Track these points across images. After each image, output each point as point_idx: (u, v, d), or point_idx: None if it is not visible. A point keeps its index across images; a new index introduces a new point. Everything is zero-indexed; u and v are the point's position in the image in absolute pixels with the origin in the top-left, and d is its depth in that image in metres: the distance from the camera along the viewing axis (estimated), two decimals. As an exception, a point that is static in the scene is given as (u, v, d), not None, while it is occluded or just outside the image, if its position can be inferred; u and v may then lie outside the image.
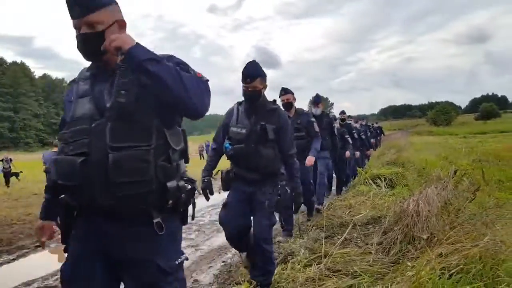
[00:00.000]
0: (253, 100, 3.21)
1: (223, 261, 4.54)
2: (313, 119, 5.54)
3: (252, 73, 3.12)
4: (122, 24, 1.66)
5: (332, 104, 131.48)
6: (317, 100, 7.17)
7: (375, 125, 19.10)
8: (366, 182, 7.66)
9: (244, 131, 3.16)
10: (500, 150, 14.81)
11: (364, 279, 3.06)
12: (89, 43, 1.56)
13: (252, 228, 3.22)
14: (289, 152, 3.21)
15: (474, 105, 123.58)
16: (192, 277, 4.11)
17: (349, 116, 11.95)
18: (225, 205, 3.27)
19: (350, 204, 6.13)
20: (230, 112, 3.40)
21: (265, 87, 3.23)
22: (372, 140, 14.00)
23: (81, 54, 1.60)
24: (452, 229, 3.29)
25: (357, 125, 11.55)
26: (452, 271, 2.56)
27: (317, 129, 5.43)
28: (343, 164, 8.69)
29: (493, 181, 6.68)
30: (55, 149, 12.95)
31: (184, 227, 1.84)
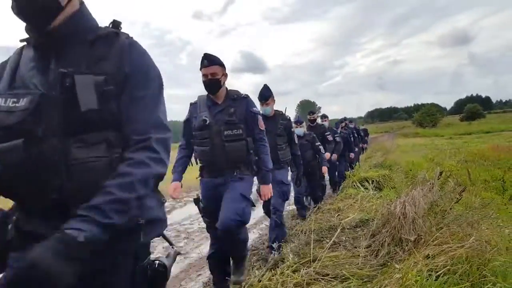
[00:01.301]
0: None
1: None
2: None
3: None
4: None
5: (320, 108, 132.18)
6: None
7: (361, 127, 19.11)
8: (354, 185, 7.70)
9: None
10: (485, 150, 14.97)
11: (352, 282, 3.07)
12: None
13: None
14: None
15: (459, 106, 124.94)
16: (181, 285, 4.08)
17: (344, 119, 12.15)
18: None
19: (338, 208, 6.16)
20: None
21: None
22: (365, 145, 13.77)
23: None
24: (439, 230, 3.32)
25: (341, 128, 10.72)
26: (439, 272, 2.58)
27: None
28: (314, 180, 6.78)
29: (479, 181, 6.76)
30: None
31: (172, 234, 1.93)
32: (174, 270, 4.63)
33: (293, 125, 5.80)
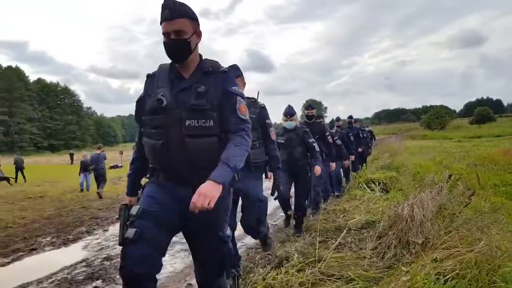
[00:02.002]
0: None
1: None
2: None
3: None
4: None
5: (326, 108, 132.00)
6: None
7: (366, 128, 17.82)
8: (360, 187, 7.65)
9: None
10: (495, 154, 14.84)
11: (358, 283, 3.03)
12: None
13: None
14: None
15: (469, 109, 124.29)
16: (185, 280, 4.07)
17: (350, 119, 11.43)
18: None
19: (344, 209, 6.12)
20: None
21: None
22: (360, 149, 11.66)
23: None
24: (447, 234, 3.27)
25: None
26: (447, 276, 2.53)
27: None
28: (302, 183, 5.55)
29: (489, 186, 6.68)
30: (98, 151, 13.22)
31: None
32: (179, 265, 4.64)
33: (283, 117, 5.48)
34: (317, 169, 5.31)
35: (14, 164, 20.35)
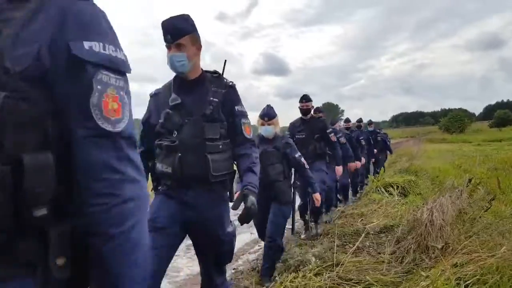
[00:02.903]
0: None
1: (234, 268, 4.51)
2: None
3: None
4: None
5: (343, 111, 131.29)
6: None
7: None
8: (378, 190, 7.59)
9: None
10: (516, 158, 14.55)
11: (377, 288, 3.01)
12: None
13: None
14: None
15: (488, 112, 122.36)
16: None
17: (359, 122, 11.06)
18: None
19: (362, 213, 6.08)
20: None
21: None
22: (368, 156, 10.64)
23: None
24: (468, 239, 3.23)
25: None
26: (468, 282, 2.51)
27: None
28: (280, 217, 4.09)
29: (510, 190, 6.56)
30: None
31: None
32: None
33: (258, 119, 4.04)
34: (317, 198, 4.22)
35: None
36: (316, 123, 5.61)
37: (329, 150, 5.65)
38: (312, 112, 5.76)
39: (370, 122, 12.37)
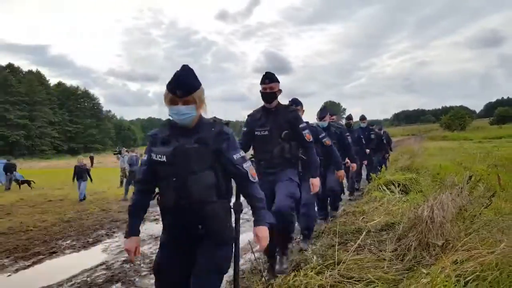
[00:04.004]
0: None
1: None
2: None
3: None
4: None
5: (345, 109, 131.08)
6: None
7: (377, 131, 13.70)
8: (380, 188, 7.60)
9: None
10: (516, 155, 14.56)
11: (378, 286, 3.02)
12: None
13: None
14: None
15: (489, 109, 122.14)
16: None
17: (349, 120, 9.56)
18: None
19: (363, 210, 6.09)
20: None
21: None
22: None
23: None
24: (468, 236, 3.25)
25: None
26: (468, 278, 2.52)
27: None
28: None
29: (510, 187, 6.57)
30: (133, 153, 13.74)
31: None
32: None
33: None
34: (262, 236, 2.37)
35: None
36: (285, 113, 3.89)
37: (303, 154, 4.00)
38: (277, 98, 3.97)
39: (362, 118, 10.78)
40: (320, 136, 5.45)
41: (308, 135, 3.92)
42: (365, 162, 9.78)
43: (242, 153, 2.37)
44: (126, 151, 15.34)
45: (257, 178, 2.42)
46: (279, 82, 3.89)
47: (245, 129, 4.03)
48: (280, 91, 3.91)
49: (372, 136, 10.64)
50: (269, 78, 3.81)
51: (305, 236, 5.02)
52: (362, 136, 9.52)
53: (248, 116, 4.09)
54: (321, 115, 6.54)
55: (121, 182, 15.20)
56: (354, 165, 7.13)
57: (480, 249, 2.84)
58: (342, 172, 5.43)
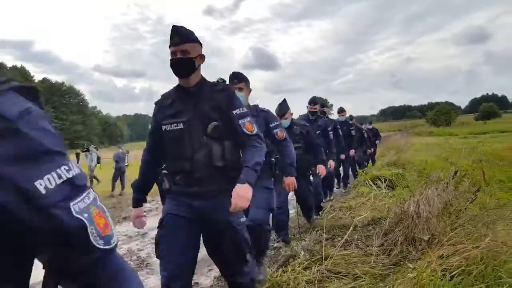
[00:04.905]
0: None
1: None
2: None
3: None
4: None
5: (332, 105, 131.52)
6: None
7: (368, 126, 14.00)
8: (366, 183, 7.65)
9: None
10: (501, 150, 14.76)
11: (365, 280, 3.04)
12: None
13: None
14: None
15: (474, 105, 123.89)
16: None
17: (322, 107, 7.98)
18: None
19: (350, 206, 6.13)
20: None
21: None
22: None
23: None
24: (453, 230, 3.28)
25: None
26: (454, 273, 2.55)
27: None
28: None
29: (494, 182, 6.65)
30: (119, 150, 12.68)
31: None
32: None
33: None
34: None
35: None
36: (211, 94, 2.41)
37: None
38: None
39: (340, 110, 9.51)
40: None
41: (280, 133, 3.58)
42: (342, 156, 8.05)
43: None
44: (95, 147, 14.67)
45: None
46: (200, 44, 2.44)
47: (151, 125, 2.58)
48: (201, 57, 2.42)
49: (353, 131, 9.53)
50: (181, 36, 2.33)
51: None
52: (337, 130, 7.60)
53: (156, 104, 2.54)
54: (280, 112, 4.93)
55: (91, 181, 13.81)
56: (332, 162, 6.26)
57: (466, 244, 2.87)
58: (290, 179, 3.79)
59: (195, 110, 2.34)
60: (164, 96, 2.52)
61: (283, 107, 4.99)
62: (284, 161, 3.70)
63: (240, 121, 2.35)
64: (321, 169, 5.15)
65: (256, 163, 2.25)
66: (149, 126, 2.62)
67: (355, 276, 3.17)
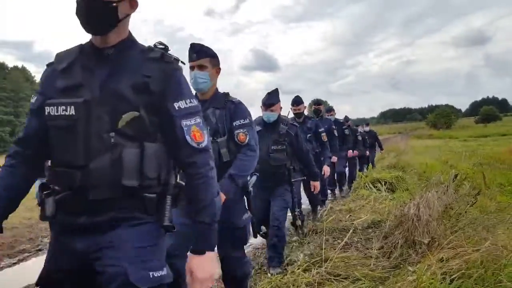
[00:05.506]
0: None
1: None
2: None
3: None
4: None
5: (332, 107, 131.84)
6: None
7: (365, 128, 12.55)
8: (366, 186, 7.64)
9: None
10: (501, 153, 14.75)
11: (364, 283, 3.04)
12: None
13: None
14: None
15: (474, 108, 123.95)
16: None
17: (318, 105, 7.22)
18: None
19: (350, 208, 6.12)
20: None
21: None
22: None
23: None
24: (453, 234, 3.28)
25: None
26: (454, 276, 2.55)
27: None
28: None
29: (494, 185, 6.66)
30: None
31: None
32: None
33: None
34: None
35: None
36: (138, 63, 1.48)
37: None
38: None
39: (329, 109, 8.79)
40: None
41: (242, 136, 2.52)
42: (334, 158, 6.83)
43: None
44: None
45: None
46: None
47: (34, 99, 1.56)
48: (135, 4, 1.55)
49: (347, 132, 8.89)
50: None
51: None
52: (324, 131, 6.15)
53: (47, 66, 1.59)
54: (268, 101, 3.98)
55: None
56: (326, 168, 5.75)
57: (466, 247, 2.87)
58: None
59: (104, 86, 1.40)
60: (60, 56, 1.53)
61: (272, 96, 3.96)
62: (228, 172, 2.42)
63: (184, 122, 1.45)
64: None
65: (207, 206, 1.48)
66: (32, 100, 1.56)
67: (355, 278, 3.16)
